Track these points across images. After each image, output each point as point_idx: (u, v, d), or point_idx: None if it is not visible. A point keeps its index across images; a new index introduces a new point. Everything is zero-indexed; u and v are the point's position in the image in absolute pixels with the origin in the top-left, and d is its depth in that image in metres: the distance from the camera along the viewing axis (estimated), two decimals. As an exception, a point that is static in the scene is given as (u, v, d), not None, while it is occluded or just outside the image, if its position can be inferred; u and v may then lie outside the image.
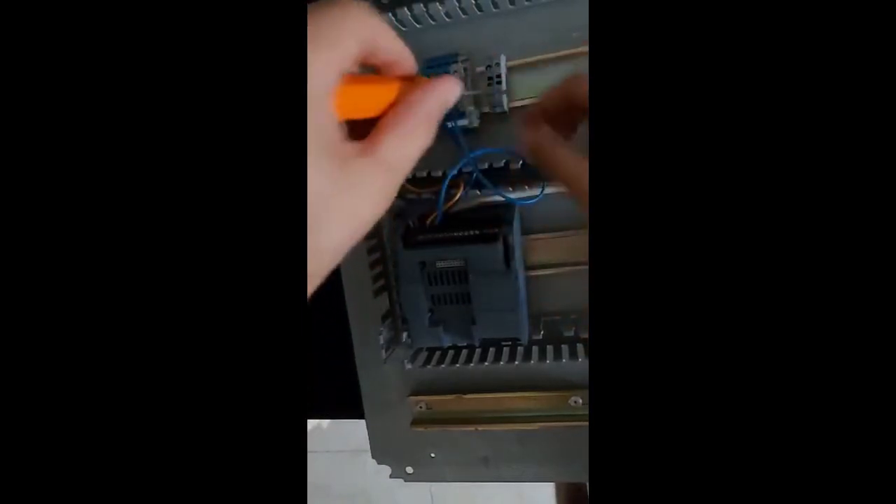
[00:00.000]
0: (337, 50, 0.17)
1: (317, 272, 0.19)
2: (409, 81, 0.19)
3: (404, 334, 0.37)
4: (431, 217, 0.33)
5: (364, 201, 0.18)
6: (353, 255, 0.36)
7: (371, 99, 0.18)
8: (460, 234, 0.32)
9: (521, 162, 0.31)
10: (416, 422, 0.39)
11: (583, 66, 0.32)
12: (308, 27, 0.16)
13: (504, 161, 0.32)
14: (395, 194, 0.19)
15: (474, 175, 0.31)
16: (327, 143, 0.17)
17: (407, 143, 0.19)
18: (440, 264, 0.32)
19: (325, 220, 0.17)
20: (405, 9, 0.32)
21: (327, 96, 0.17)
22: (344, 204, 0.18)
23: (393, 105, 0.18)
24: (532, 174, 0.31)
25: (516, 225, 0.32)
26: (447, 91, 0.19)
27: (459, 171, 0.32)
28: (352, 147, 0.18)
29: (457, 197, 0.32)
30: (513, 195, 0.32)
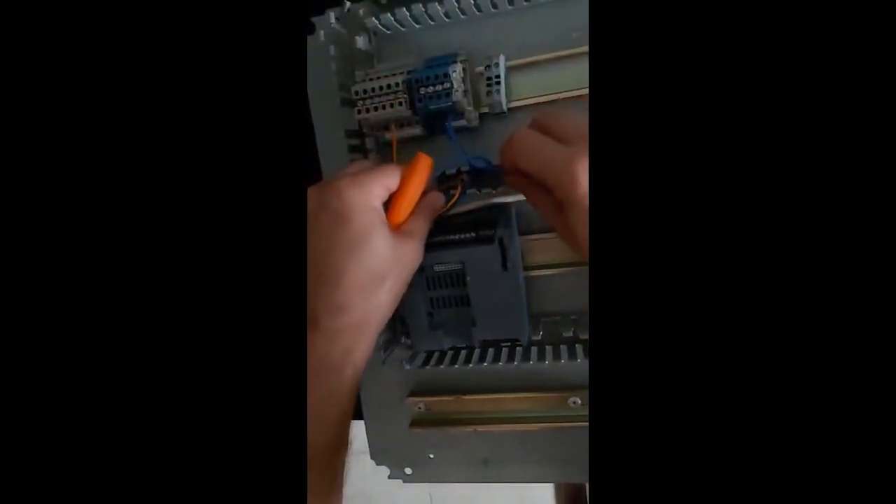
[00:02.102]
0: (376, 191, 0.28)
1: (381, 321, 0.29)
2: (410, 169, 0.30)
3: (403, 335, 0.37)
4: None
5: (413, 253, 0.29)
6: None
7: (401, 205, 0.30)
8: (457, 237, 0.32)
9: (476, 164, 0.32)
10: (415, 422, 0.39)
11: (583, 66, 0.32)
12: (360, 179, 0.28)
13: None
14: (422, 253, 0.30)
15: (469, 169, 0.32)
16: (382, 221, 0.28)
17: (421, 224, 0.30)
18: (438, 268, 0.32)
19: (391, 266, 0.28)
20: (404, 9, 0.32)
21: (379, 206, 0.28)
22: (402, 255, 0.28)
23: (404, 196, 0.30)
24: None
25: (513, 226, 0.32)
26: (437, 200, 0.32)
27: (458, 171, 0.32)
28: (397, 232, 0.29)
29: (454, 199, 0.32)
30: (509, 198, 0.32)
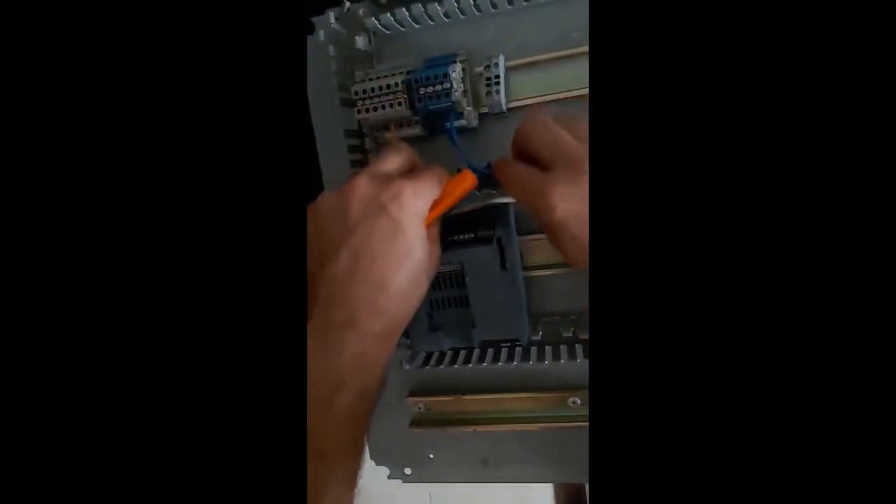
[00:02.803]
0: (427, 196, 0.28)
1: (409, 316, 0.29)
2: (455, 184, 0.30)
3: (402, 336, 0.37)
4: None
5: (436, 261, 0.30)
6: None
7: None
8: (455, 237, 0.32)
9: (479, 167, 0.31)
10: (415, 423, 0.39)
11: (582, 66, 0.32)
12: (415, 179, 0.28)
13: (487, 163, 0.32)
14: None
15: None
16: (423, 230, 0.28)
17: (438, 226, 0.30)
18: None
19: (424, 275, 0.29)
20: (403, 9, 0.32)
21: (425, 213, 0.28)
22: (431, 263, 0.29)
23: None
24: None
25: (512, 226, 0.32)
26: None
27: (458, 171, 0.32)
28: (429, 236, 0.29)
29: None
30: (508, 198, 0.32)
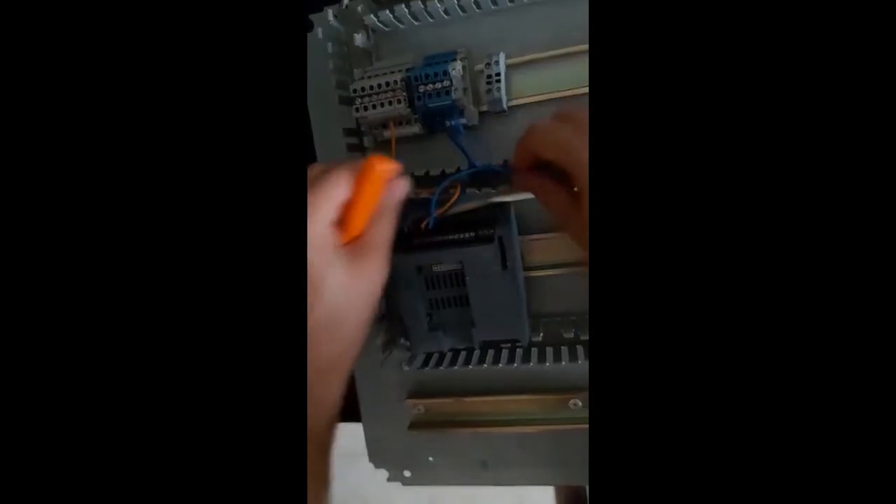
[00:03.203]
0: (325, 214, 0.25)
1: (351, 349, 0.27)
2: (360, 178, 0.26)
3: (401, 336, 0.37)
4: (425, 221, 0.32)
5: (375, 274, 0.26)
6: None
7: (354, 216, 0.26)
8: (455, 236, 0.31)
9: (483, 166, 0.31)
10: (414, 425, 0.38)
11: (583, 64, 0.32)
12: (308, 198, 0.24)
13: (504, 160, 0.32)
14: (387, 265, 0.27)
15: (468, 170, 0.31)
16: (335, 254, 0.25)
17: (383, 230, 0.27)
18: (437, 268, 0.32)
19: (350, 304, 0.25)
20: (403, 6, 0.32)
21: (329, 233, 0.25)
22: (362, 284, 0.26)
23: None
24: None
25: (512, 225, 0.31)
26: (398, 191, 0.28)
27: (457, 170, 0.32)
28: (349, 248, 0.26)
29: (453, 199, 0.32)
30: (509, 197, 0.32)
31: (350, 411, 0.41)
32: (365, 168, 0.26)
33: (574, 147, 0.24)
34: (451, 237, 0.31)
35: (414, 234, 0.32)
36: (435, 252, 0.31)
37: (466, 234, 0.31)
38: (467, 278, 0.31)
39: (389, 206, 0.27)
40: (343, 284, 0.25)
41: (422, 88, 0.30)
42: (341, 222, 0.26)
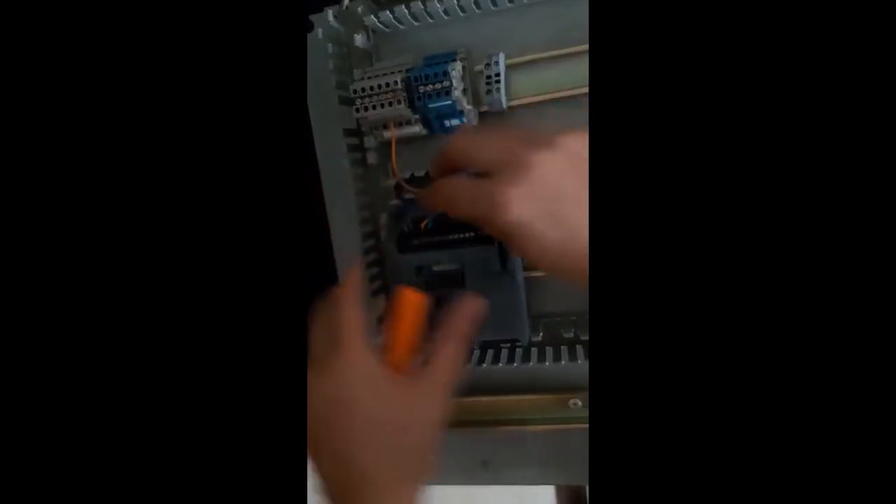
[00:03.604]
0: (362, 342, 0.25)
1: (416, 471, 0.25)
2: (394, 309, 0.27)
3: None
4: (425, 221, 0.32)
5: (434, 415, 0.25)
6: (351, 255, 0.36)
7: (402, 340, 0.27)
8: (455, 236, 0.31)
9: None
10: (414, 424, 0.38)
11: (582, 64, 0.32)
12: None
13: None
14: (450, 393, 0.25)
15: None
16: (390, 384, 0.25)
17: (452, 365, 0.26)
18: (437, 268, 0.32)
19: (412, 426, 0.25)
20: (403, 7, 0.32)
21: (375, 362, 0.25)
22: (422, 425, 0.25)
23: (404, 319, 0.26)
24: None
25: None
26: (472, 310, 0.27)
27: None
28: (410, 379, 0.25)
29: None
30: None
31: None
32: (398, 298, 0.27)
33: (475, 203, 0.23)
34: (450, 237, 0.31)
35: (414, 234, 0.32)
36: (435, 252, 0.31)
37: (466, 235, 0.31)
38: (467, 278, 0.31)
39: (459, 332, 0.27)
40: (400, 407, 0.24)
41: (422, 89, 0.30)
42: (384, 351, 0.26)
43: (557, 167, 0.22)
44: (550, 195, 0.21)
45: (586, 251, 0.20)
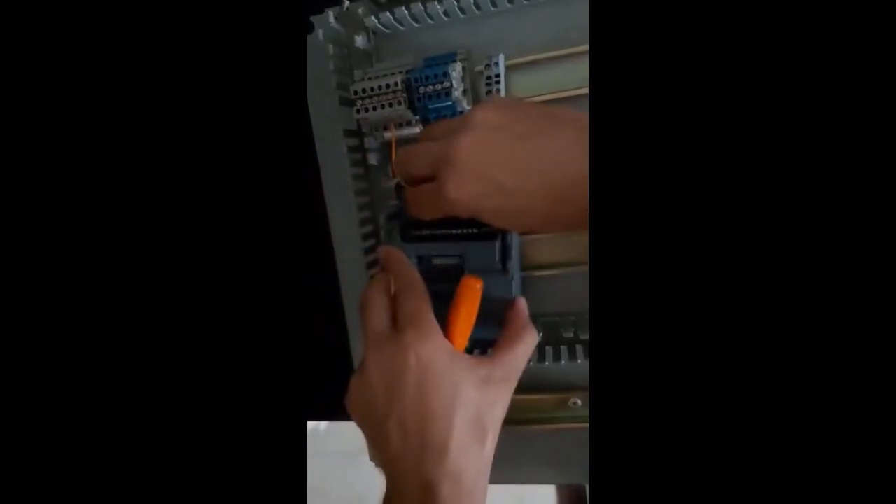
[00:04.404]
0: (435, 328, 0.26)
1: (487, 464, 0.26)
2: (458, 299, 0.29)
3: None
4: None
5: (505, 399, 0.27)
6: (351, 256, 0.36)
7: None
8: (458, 230, 0.31)
9: None
10: (415, 424, 0.38)
11: (582, 65, 0.32)
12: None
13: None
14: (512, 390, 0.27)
15: None
16: (465, 370, 0.25)
17: (521, 357, 0.28)
18: (436, 260, 0.32)
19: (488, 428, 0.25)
20: (403, 8, 0.32)
21: (450, 348, 0.26)
22: (495, 410, 0.26)
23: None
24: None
25: None
26: (531, 343, 0.29)
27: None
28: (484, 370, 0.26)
29: None
30: None
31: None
32: (464, 289, 0.28)
33: (429, 154, 0.25)
34: (454, 231, 0.31)
35: (418, 225, 0.32)
36: (437, 243, 0.31)
37: (469, 230, 0.31)
38: (465, 273, 0.31)
39: (526, 321, 0.29)
40: (476, 384, 0.25)
41: (422, 90, 0.31)
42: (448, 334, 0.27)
43: (475, 144, 0.23)
44: (478, 173, 0.23)
45: (543, 200, 0.22)
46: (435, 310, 0.33)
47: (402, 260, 0.29)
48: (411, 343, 0.24)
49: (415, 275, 0.28)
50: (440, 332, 0.25)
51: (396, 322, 0.26)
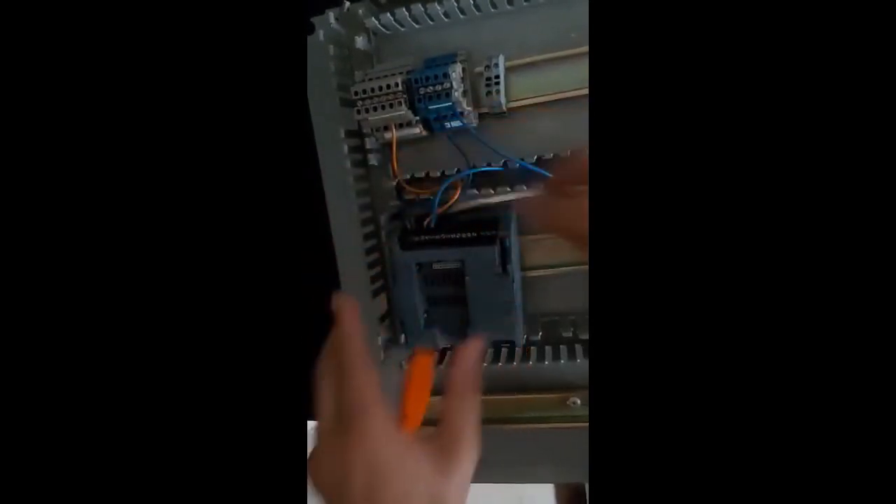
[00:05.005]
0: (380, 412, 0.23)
1: None
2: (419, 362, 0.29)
3: (402, 336, 0.37)
4: (428, 219, 0.33)
5: (468, 465, 0.25)
6: (351, 256, 0.36)
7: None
8: (457, 236, 0.32)
9: (517, 163, 0.32)
10: (415, 423, 0.39)
11: (582, 66, 0.32)
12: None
13: (503, 161, 0.32)
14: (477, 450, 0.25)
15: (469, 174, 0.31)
16: (411, 453, 0.23)
17: (467, 415, 0.26)
18: (437, 266, 0.32)
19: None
20: (403, 9, 0.32)
21: (394, 430, 0.23)
22: (455, 478, 0.24)
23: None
24: (529, 175, 0.32)
25: (513, 227, 0.32)
26: (472, 358, 0.27)
27: (457, 172, 0.32)
28: (433, 444, 0.24)
29: (453, 199, 0.32)
30: (510, 196, 0.32)
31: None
32: (413, 364, 0.29)
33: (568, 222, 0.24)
34: (453, 236, 0.32)
35: (416, 231, 0.32)
36: (436, 249, 0.31)
37: (469, 234, 0.32)
38: (466, 277, 0.31)
39: (465, 385, 0.26)
40: (432, 465, 0.23)
41: (422, 91, 0.31)
42: (401, 416, 0.26)
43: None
44: None
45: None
46: (436, 314, 0.33)
47: (346, 323, 0.25)
48: (357, 444, 0.22)
49: (357, 345, 0.25)
50: (388, 421, 0.23)
51: (342, 410, 0.24)
